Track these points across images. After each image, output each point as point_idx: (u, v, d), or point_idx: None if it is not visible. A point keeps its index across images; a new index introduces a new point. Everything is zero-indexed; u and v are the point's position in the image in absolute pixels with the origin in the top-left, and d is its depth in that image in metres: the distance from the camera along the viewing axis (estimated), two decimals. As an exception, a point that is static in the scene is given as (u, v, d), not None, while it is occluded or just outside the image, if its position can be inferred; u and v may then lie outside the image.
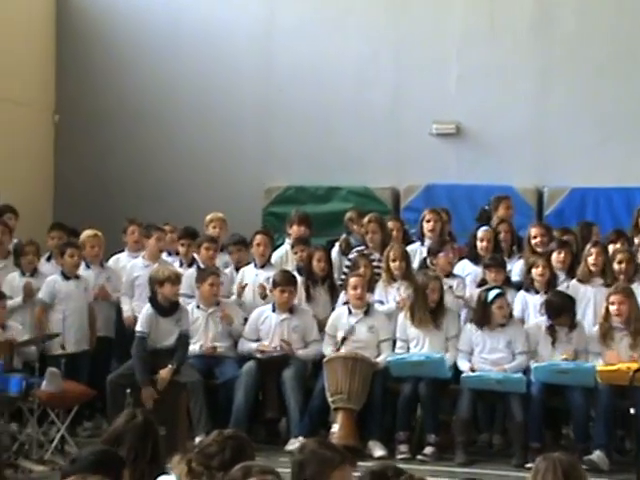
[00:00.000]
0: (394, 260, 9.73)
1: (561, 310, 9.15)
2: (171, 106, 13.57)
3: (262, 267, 10.27)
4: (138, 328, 9.45)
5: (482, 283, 9.59)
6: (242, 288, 10.11)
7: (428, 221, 10.35)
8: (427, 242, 10.31)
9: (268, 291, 9.95)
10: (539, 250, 9.90)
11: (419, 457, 9.00)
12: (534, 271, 9.49)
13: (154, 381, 9.15)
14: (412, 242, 10.55)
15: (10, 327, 9.27)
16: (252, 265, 10.35)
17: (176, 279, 9.38)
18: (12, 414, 8.98)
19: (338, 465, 4.12)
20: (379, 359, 9.43)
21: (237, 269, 10.42)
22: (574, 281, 9.61)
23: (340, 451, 4.23)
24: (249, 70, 13.38)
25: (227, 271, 10.39)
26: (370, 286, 9.70)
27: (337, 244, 10.71)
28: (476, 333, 9.31)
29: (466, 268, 10.07)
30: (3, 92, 12.92)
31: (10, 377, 8.60)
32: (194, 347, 9.62)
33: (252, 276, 10.27)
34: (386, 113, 12.96)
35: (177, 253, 10.78)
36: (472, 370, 9.17)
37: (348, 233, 10.82)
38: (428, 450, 9.06)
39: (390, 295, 9.77)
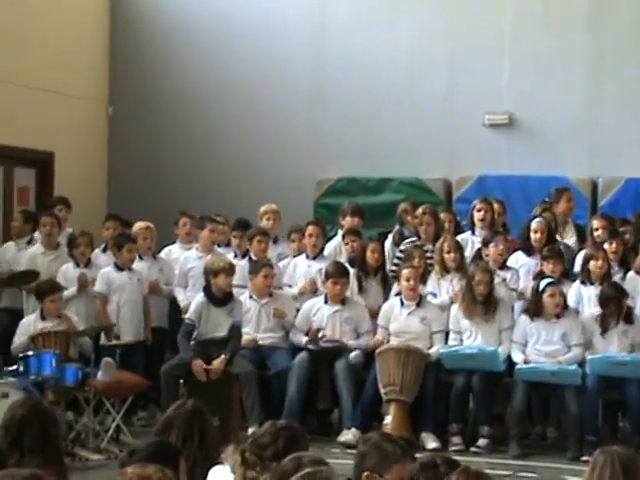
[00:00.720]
0: (448, 252, 9.67)
1: (609, 300, 9.05)
2: (223, 98, 13.61)
3: (314, 258, 10.27)
4: (187, 315, 9.53)
5: (539, 275, 9.50)
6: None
7: (479, 210, 10.27)
8: (477, 232, 10.25)
9: (320, 283, 9.96)
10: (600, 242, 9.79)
11: (473, 449, 8.97)
12: (592, 263, 9.38)
13: (207, 370, 9.20)
14: (459, 233, 10.48)
15: (66, 318, 9.35)
16: (304, 256, 10.36)
17: (230, 270, 9.42)
18: (69, 403, 9.06)
19: (399, 459, 4.12)
20: (431, 351, 9.40)
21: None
22: (632, 273, 9.50)
23: (402, 445, 4.24)
24: (301, 61, 13.37)
25: (284, 262, 10.40)
26: (423, 278, 9.66)
27: (390, 235, 10.68)
28: (530, 324, 9.25)
29: (519, 260, 9.99)
30: (58, 85, 13.05)
31: (66, 367, 8.71)
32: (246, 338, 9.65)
33: (304, 267, 10.28)
34: (438, 104, 12.89)
35: (228, 244, 10.82)
36: (526, 362, 9.10)
37: (401, 224, 10.78)
38: (482, 442, 9.02)
39: (443, 287, 9.72)
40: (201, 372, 9.15)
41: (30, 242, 10.67)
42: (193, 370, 9.17)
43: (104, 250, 10.56)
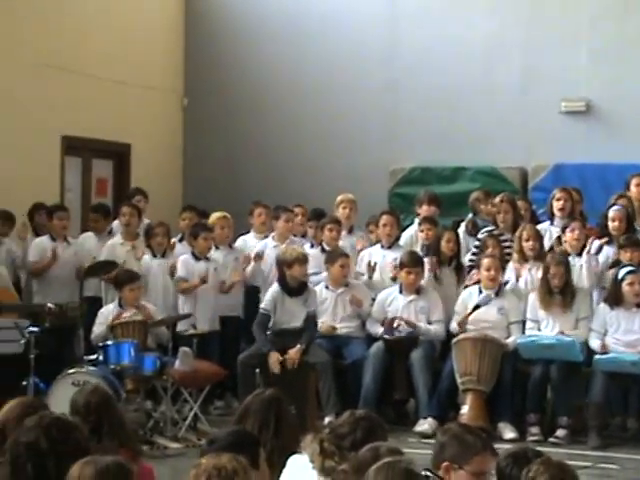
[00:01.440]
0: (527, 240, 9.56)
1: None
2: (297, 89, 13.65)
3: (389, 248, 10.25)
4: (262, 306, 9.56)
5: (616, 264, 9.37)
6: (372, 268, 10.10)
7: (558, 200, 10.12)
8: (556, 221, 10.13)
9: (394, 272, 9.93)
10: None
11: (551, 440, 8.86)
12: None
13: (283, 360, 9.23)
14: (540, 222, 10.38)
15: (144, 307, 9.45)
16: (379, 246, 10.34)
17: (304, 259, 9.44)
18: (147, 392, 9.17)
19: (479, 451, 4.10)
20: (509, 341, 9.32)
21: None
22: None
23: (482, 437, 4.21)
24: (374, 52, 13.34)
25: (363, 252, 10.41)
26: (500, 267, 9.57)
27: (463, 224, 10.62)
28: (610, 313, 9.12)
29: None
30: (133, 77, 13.19)
31: (145, 356, 8.79)
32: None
33: (379, 257, 10.26)
34: (514, 92, 12.77)
35: (303, 235, 10.85)
36: (603, 349, 8.98)
37: (474, 213, 10.71)
38: (560, 433, 8.91)
39: (521, 276, 9.63)
40: (276, 365, 9.18)
41: (110, 232, 10.81)
42: (269, 363, 9.21)
43: (180, 240, 10.66)
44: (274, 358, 9.21)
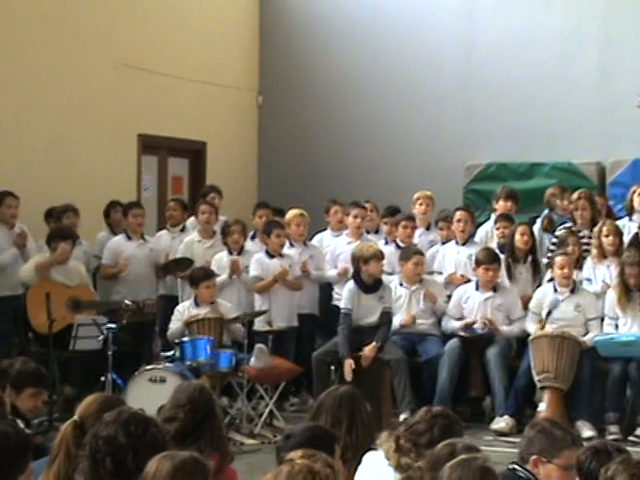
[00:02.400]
0: (607, 235, 9.42)
1: None
2: (372, 85, 13.62)
3: (463, 244, 10.18)
4: (342, 305, 9.55)
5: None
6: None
7: (640, 195, 9.99)
8: (636, 217, 9.97)
9: (470, 269, 9.86)
10: None
11: (631, 438, 8.72)
12: None
13: (358, 357, 9.23)
14: (617, 219, 10.23)
15: (219, 304, 9.51)
16: (453, 242, 10.28)
17: (381, 256, 9.42)
18: (223, 389, 9.23)
19: (569, 445, 4.07)
20: (586, 338, 9.20)
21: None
22: None
23: (572, 432, 4.19)
24: (450, 47, 13.27)
25: (433, 249, 10.36)
26: (578, 264, 9.46)
27: (538, 220, 10.51)
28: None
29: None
30: (209, 76, 13.29)
31: (221, 353, 8.83)
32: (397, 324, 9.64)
33: (453, 253, 10.20)
34: (591, 85, 12.60)
35: (377, 231, 10.82)
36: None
37: (550, 209, 10.59)
38: (640, 431, 8.80)
39: (599, 272, 9.50)
40: (349, 372, 9.12)
41: (183, 230, 10.90)
42: (344, 367, 9.18)
43: (252, 237, 10.69)
44: (348, 366, 9.18)
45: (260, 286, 9.93)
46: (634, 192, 10.04)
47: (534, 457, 4.05)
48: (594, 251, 9.52)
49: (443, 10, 13.34)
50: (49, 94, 11.26)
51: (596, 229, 9.57)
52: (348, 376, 9.12)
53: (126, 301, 9.29)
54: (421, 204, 10.73)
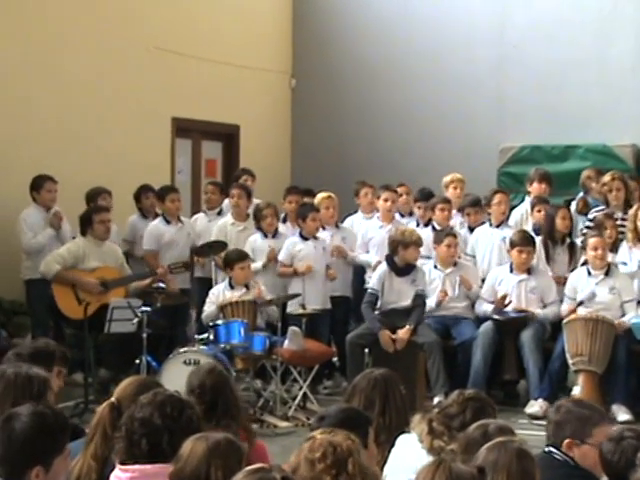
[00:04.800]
0: (642, 219, 9.38)
1: None
2: (405, 68, 13.59)
3: (498, 226, 10.14)
4: (370, 285, 9.57)
5: None
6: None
7: (673, 178, 9.92)
8: (671, 200, 9.90)
9: (506, 251, 9.84)
10: None
11: (665, 422, 8.70)
12: None
13: (392, 340, 9.23)
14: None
15: (254, 286, 9.53)
16: (487, 225, 10.24)
17: (421, 243, 9.40)
18: (257, 371, 9.27)
19: (598, 422, 4.06)
20: (623, 319, 9.14)
21: (471, 230, 10.32)
22: None
23: (598, 408, 4.17)
24: (483, 28, 13.21)
25: (462, 232, 10.34)
26: (614, 246, 9.40)
27: (573, 203, 10.45)
28: None
29: None
30: (243, 59, 13.30)
31: (254, 336, 8.84)
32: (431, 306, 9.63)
33: (487, 235, 10.16)
34: (627, 67, 12.50)
35: (410, 214, 10.80)
36: None
37: (585, 192, 10.53)
38: (676, 415, 8.74)
39: (634, 256, 9.43)
40: (389, 343, 9.19)
41: (220, 213, 10.91)
42: (380, 341, 9.21)
43: (284, 221, 10.69)
44: (386, 337, 9.20)
45: (282, 272, 9.97)
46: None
47: (567, 441, 4.04)
48: (629, 235, 9.44)
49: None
50: (84, 79, 11.31)
51: (631, 212, 9.49)
52: (389, 347, 9.12)
53: (160, 284, 9.32)
54: (455, 187, 10.70)
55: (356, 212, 10.97)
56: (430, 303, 9.57)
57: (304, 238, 10.02)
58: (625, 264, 9.44)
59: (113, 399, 4.09)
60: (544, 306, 9.53)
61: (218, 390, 4.70)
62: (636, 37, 12.48)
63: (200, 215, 11.11)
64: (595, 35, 12.64)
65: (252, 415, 8.50)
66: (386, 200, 10.41)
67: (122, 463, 3.66)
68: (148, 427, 3.62)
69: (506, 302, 9.42)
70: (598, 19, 12.64)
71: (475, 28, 13.24)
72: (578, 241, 9.84)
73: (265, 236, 10.17)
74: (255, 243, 10.13)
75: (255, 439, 4.73)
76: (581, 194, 10.54)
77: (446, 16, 13.38)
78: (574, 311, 9.19)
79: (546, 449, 4.12)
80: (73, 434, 3.94)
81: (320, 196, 10.51)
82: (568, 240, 9.83)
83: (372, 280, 9.62)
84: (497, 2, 13.18)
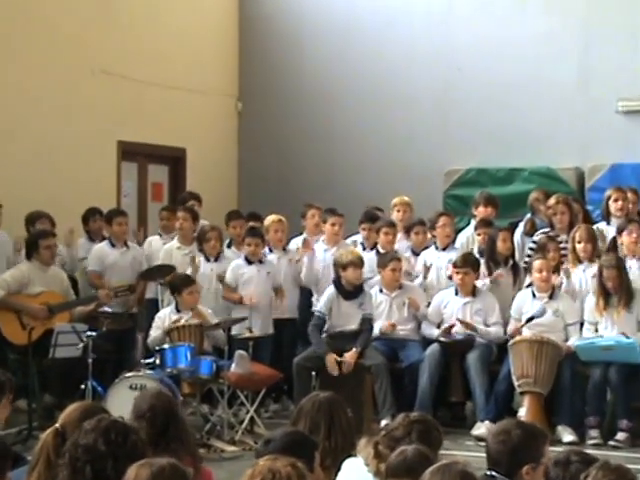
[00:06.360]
0: (579, 242, 9.49)
1: None
2: (350, 92, 13.65)
3: (444, 249, 10.20)
4: (317, 308, 9.58)
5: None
6: (427, 269, 10.07)
7: (616, 200, 10.02)
8: (613, 221, 10.01)
9: (451, 274, 9.88)
10: None
11: (611, 443, 8.75)
12: None
13: (339, 363, 9.23)
14: (594, 223, 10.26)
15: (200, 311, 9.48)
16: (433, 248, 10.29)
17: (360, 263, 9.43)
18: (204, 395, 9.21)
19: (547, 439, 4.08)
20: (568, 343, 9.23)
21: (416, 254, 10.35)
22: None
23: (538, 426, 4.20)
24: (428, 52, 13.30)
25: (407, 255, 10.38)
26: (557, 269, 9.50)
27: (521, 224, 10.54)
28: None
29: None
30: (188, 82, 13.29)
31: (201, 360, 8.81)
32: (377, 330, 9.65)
33: (434, 259, 10.22)
34: (570, 91, 12.66)
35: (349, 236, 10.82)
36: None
37: (533, 213, 10.62)
38: (620, 436, 8.79)
39: (575, 277, 9.54)
40: (334, 366, 9.20)
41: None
42: (326, 364, 9.21)
43: (229, 246, 10.67)
44: (331, 360, 9.22)
45: (226, 297, 9.98)
46: (609, 197, 10.10)
47: (527, 467, 3.99)
48: (570, 256, 9.56)
49: (419, 16, 13.38)
50: (28, 101, 11.22)
51: (570, 234, 9.62)
52: (334, 370, 9.13)
53: (105, 308, 9.24)
54: (398, 210, 10.76)
55: (301, 234, 10.98)
56: (376, 329, 9.59)
57: (249, 262, 10.00)
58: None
59: (57, 425, 4.04)
60: (487, 326, 9.58)
61: (169, 414, 4.66)
62: (578, 61, 12.65)
63: (155, 237, 11.05)
64: (538, 59, 12.79)
65: (199, 440, 8.44)
66: (333, 224, 10.44)
67: (66, 491, 3.61)
68: (92, 454, 3.58)
69: (454, 331, 9.48)
70: (541, 43, 12.78)
71: (419, 51, 13.33)
72: (522, 263, 9.93)
73: (207, 260, 10.14)
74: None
75: (201, 465, 4.69)
76: (529, 215, 10.63)
77: (389, 40, 13.46)
78: (519, 331, 9.25)
79: (487, 472, 4.08)
80: (15, 462, 3.88)
81: (270, 219, 10.50)
82: (511, 261, 9.91)
83: (320, 303, 9.63)
84: (440, 26, 13.28)
